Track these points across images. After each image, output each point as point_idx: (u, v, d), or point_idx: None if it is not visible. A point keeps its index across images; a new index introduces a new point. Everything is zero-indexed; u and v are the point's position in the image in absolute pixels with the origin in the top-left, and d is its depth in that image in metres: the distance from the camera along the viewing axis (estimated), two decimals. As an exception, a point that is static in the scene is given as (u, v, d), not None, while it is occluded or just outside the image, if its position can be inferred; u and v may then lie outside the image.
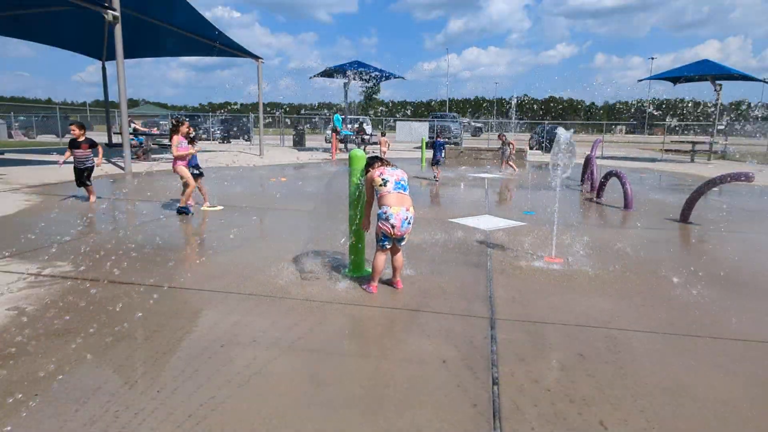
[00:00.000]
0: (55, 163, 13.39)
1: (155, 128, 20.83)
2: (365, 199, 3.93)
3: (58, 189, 9.03)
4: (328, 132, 24.56)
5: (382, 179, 3.71)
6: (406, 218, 3.67)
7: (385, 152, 15.67)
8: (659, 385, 2.54)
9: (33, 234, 5.38)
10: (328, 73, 23.00)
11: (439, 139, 12.61)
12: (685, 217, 6.93)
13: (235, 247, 5.11)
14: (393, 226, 3.63)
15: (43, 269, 4.23)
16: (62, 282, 3.94)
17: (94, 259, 4.53)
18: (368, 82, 24.01)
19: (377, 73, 21.87)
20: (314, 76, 23.64)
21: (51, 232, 5.60)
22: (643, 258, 4.98)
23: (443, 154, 12.85)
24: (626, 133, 57.01)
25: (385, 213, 3.65)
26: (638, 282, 4.24)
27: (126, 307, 3.41)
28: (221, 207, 7.39)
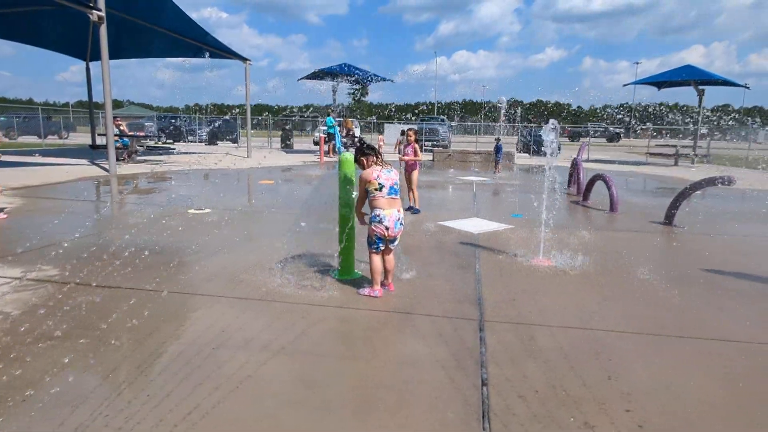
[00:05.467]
0: (38, 164, 13.21)
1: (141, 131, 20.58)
2: (358, 195, 3.87)
3: (41, 191, 8.89)
4: (316, 134, 24.51)
5: (379, 184, 3.71)
6: (398, 219, 3.75)
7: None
8: (645, 385, 2.60)
9: (16, 237, 5.30)
10: (317, 75, 22.99)
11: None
12: (669, 219, 7.06)
13: (224, 251, 5.09)
14: (387, 228, 3.70)
15: (28, 273, 4.17)
16: (48, 286, 3.89)
17: (80, 262, 4.48)
18: (357, 84, 24.05)
19: (366, 75, 21.92)
20: (303, 78, 23.63)
21: (35, 235, 5.51)
22: (628, 260, 5.07)
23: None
24: (601, 135, 57.70)
25: (378, 216, 3.70)
26: (624, 284, 4.31)
27: (115, 311, 3.38)
28: (209, 210, 7.34)
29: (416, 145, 7.79)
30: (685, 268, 4.87)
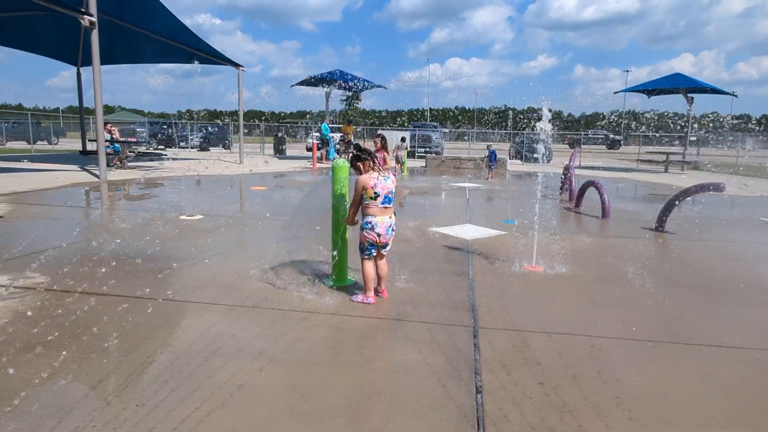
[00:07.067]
0: (27, 170, 13.06)
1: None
2: (353, 199, 3.80)
3: (30, 197, 8.78)
4: (309, 140, 24.49)
5: (374, 192, 3.66)
6: (390, 225, 3.73)
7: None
8: (640, 391, 2.59)
9: (3, 244, 5.22)
10: (310, 82, 23.03)
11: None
12: (660, 225, 7.11)
13: (216, 258, 5.04)
14: (379, 235, 3.68)
15: (15, 280, 4.10)
16: (36, 294, 3.83)
17: (69, 270, 4.41)
18: (349, 91, 24.12)
19: (359, 82, 22.00)
20: (296, 84, 23.67)
21: (23, 241, 5.43)
22: (620, 266, 5.09)
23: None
24: (602, 143, 58.34)
25: (370, 223, 3.67)
26: (616, 290, 4.32)
27: (105, 319, 3.33)
28: (200, 216, 7.29)
29: (385, 153, 7.60)
30: (678, 274, 4.89)
